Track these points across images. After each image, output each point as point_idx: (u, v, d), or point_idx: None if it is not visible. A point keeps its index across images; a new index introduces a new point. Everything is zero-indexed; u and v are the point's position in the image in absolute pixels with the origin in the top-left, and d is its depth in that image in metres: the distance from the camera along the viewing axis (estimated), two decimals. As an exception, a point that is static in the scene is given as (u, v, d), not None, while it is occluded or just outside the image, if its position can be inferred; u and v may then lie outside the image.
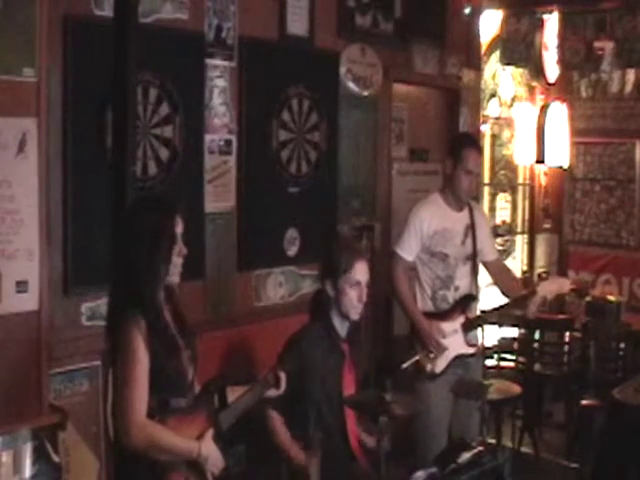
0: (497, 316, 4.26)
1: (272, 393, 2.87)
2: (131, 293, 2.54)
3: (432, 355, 3.92)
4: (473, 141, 4.22)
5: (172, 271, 2.60)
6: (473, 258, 4.08)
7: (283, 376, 2.89)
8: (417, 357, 3.80)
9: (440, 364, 3.95)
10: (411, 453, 4.03)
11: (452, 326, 3.99)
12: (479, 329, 4.12)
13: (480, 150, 4.18)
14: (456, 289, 4.03)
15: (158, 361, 2.52)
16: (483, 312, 4.25)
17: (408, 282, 4.03)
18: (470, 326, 4.03)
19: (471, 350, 4.05)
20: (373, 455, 3.17)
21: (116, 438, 2.56)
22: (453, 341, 3.98)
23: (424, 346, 3.93)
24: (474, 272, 4.11)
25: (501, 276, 4.26)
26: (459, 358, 3.99)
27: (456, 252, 4.02)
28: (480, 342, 4.19)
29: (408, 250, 3.99)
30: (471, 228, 4.08)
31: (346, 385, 3.33)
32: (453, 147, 4.10)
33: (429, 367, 3.93)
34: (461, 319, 4.02)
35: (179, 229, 2.61)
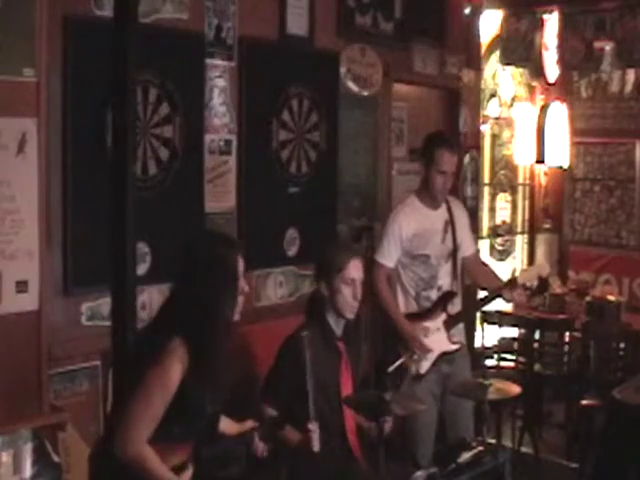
0: (477, 310, 4.30)
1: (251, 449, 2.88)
2: (192, 326, 2.49)
3: (416, 356, 3.91)
4: (445, 141, 4.12)
5: (235, 309, 2.61)
6: (454, 254, 4.10)
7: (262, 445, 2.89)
8: (402, 359, 3.79)
9: (425, 364, 3.97)
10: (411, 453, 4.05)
11: (435, 324, 4.01)
12: (475, 325, 4.15)
13: (453, 149, 4.09)
14: (439, 288, 4.05)
15: (190, 396, 2.47)
16: (465, 308, 4.26)
17: (390, 287, 4.04)
18: (452, 323, 4.05)
19: (454, 347, 4.06)
20: (373, 455, 3.17)
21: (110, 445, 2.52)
22: (436, 339, 4.00)
23: (408, 348, 3.92)
24: (455, 269, 4.12)
25: (478, 269, 4.32)
26: (443, 355, 4.01)
27: (437, 251, 4.03)
28: (462, 339, 4.21)
29: (388, 257, 4.00)
30: (450, 224, 4.09)
31: (344, 384, 3.33)
32: (425, 148, 4.06)
33: (414, 368, 3.93)
34: (443, 316, 4.03)
35: (241, 267, 2.61)
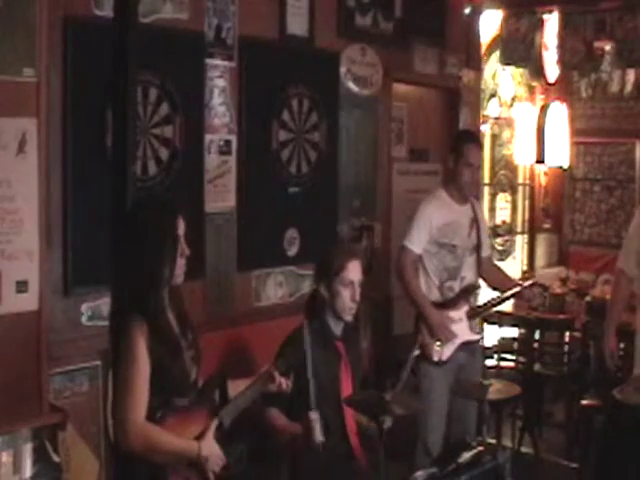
0: (499, 305, 4.46)
1: (274, 388, 2.86)
2: (134, 296, 2.54)
3: (439, 343, 4.06)
4: (473, 136, 4.43)
5: (176, 272, 2.61)
6: (477, 250, 4.27)
7: (283, 379, 2.87)
8: (432, 343, 4.02)
9: (447, 351, 4.11)
10: (411, 452, 4.06)
11: (458, 314, 4.17)
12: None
13: (480, 145, 4.39)
14: (462, 279, 4.20)
15: (161, 363, 2.52)
16: (487, 301, 4.42)
17: (415, 273, 4.16)
18: (474, 314, 4.24)
19: (476, 337, 4.28)
20: (373, 453, 3.17)
21: (115, 440, 2.56)
22: (459, 328, 4.15)
23: (432, 335, 4.06)
24: (478, 263, 4.28)
25: (493, 272, 4.48)
26: (463, 345, 4.16)
27: (463, 243, 4.19)
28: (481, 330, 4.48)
29: (417, 243, 4.11)
30: (475, 221, 4.26)
31: (343, 385, 3.33)
32: (455, 143, 4.30)
33: (437, 355, 4.06)
34: (466, 307, 4.20)
35: (181, 230, 2.61)
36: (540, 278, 4.51)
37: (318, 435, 3.06)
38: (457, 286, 4.18)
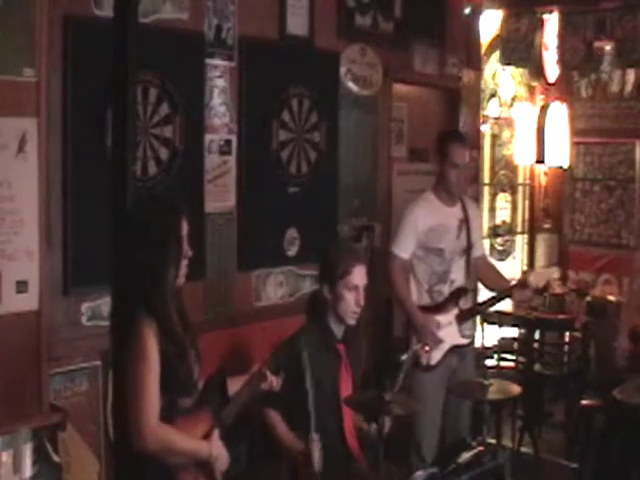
0: (489, 307, 4.43)
1: (265, 387, 2.86)
2: (141, 297, 2.52)
3: (427, 347, 3.99)
4: (457, 136, 4.34)
5: (179, 273, 2.60)
6: (468, 251, 4.21)
7: (274, 377, 2.87)
8: (415, 348, 3.87)
9: (435, 355, 4.06)
10: (408, 455, 4.06)
11: (447, 318, 4.12)
12: (475, 322, 4.26)
13: (465, 144, 4.28)
14: (452, 283, 4.15)
15: (169, 363, 2.51)
16: (477, 304, 4.40)
17: (405, 278, 4.12)
18: (464, 318, 4.17)
19: (465, 341, 4.20)
20: (372, 454, 3.17)
21: (125, 441, 2.53)
22: (448, 332, 4.10)
23: (420, 339, 4.00)
24: (469, 265, 4.23)
25: (488, 272, 4.43)
26: (454, 349, 4.12)
27: (451, 247, 4.13)
28: (473, 334, 4.35)
29: (404, 249, 4.08)
30: (465, 222, 4.19)
31: (343, 386, 3.33)
32: (439, 144, 4.23)
33: (425, 359, 4.01)
34: (455, 311, 4.14)
35: (184, 230, 2.60)
36: (535, 278, 4.41)
37: (317, 459, 3.05)
38: (447, 289, 4.14)
